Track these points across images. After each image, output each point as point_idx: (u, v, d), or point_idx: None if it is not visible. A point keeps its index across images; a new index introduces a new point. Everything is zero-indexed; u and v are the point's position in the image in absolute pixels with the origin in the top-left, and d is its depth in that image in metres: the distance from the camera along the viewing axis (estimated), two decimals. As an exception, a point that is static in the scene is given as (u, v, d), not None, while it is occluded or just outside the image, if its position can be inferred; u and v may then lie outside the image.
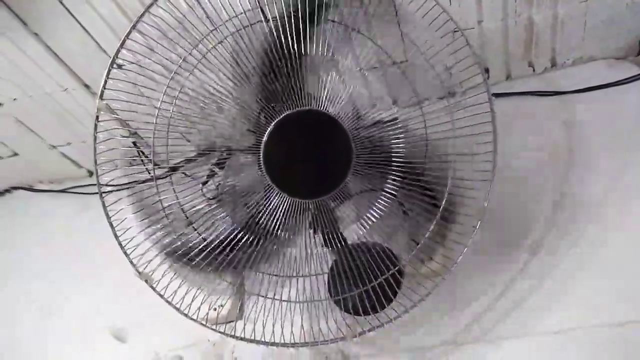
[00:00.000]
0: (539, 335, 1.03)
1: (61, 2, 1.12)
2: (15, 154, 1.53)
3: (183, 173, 1.09)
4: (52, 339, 1.38)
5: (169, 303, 0.95)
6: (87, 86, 1.33)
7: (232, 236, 1.00)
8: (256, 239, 0.99)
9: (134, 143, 1.05)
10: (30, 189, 1.66)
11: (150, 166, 1.06)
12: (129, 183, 1.11)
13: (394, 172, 0.98)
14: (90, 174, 1.60)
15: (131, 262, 0.94)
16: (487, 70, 1.32)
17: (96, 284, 1.40)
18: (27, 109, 1.38)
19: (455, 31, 0.94)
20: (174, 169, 1.10)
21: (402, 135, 0.98)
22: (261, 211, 0.97)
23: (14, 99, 1.35)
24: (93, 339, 1.34)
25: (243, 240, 0.99)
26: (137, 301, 1.15)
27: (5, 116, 1.39)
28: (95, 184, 1.52)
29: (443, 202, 0.96)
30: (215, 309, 1.14)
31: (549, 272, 1.08)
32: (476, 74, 0.97)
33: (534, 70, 1.33)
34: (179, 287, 0.98)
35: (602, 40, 1.24)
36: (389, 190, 0.99)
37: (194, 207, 1.03)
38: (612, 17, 1.19)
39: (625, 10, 1.18)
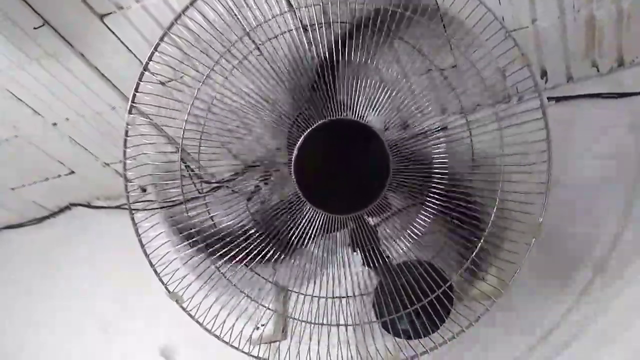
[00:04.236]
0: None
1: (103, 22, 1.13)
2: (72, 172, 1.56)
3: (229, 188, 1.07)
4: (109, 356, 1.40)
5: (199, 323, 0.93)
6: (134, 104, 1.34)
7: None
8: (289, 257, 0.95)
9: (182, 160, 1.04)
10: (88, 205, 1.68)
11: (197, 183, 1.06)
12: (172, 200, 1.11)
13: (435, 185, 0.91)
14: (144, 190, 1.62)
15: (161, 281, 0.92)
16: (544, 73, 1.23)
17: (151, 300, 1.40)
18: (80, 128, 1.40)
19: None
20: (219, 185, 1.09)
21: (445, 145, 0.92)
22: (294, 228, 0.93)
23: (67, 119, 1.37)
24: (145, 357, 1.34)
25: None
26: (186, 319, 1.14)
27: (60, 136, 1.42)
28: (146, 201, 1.54)
29: (492, 217, 0.88)
30: (257, 328, 1.12)
31: (615, 296, 0.98)
32: (527, 77, 0.89)
33: (598, 70, 1.22)
34: (211, 306, 0.95)
35: (674, 35, 1.13)
36: (431, 205, 0.92)
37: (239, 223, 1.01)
38: (685, 8, 1.08)
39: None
